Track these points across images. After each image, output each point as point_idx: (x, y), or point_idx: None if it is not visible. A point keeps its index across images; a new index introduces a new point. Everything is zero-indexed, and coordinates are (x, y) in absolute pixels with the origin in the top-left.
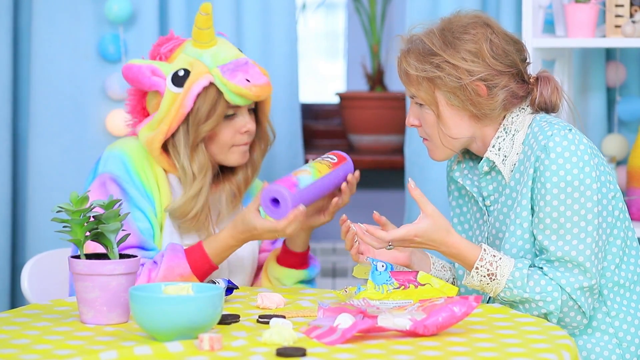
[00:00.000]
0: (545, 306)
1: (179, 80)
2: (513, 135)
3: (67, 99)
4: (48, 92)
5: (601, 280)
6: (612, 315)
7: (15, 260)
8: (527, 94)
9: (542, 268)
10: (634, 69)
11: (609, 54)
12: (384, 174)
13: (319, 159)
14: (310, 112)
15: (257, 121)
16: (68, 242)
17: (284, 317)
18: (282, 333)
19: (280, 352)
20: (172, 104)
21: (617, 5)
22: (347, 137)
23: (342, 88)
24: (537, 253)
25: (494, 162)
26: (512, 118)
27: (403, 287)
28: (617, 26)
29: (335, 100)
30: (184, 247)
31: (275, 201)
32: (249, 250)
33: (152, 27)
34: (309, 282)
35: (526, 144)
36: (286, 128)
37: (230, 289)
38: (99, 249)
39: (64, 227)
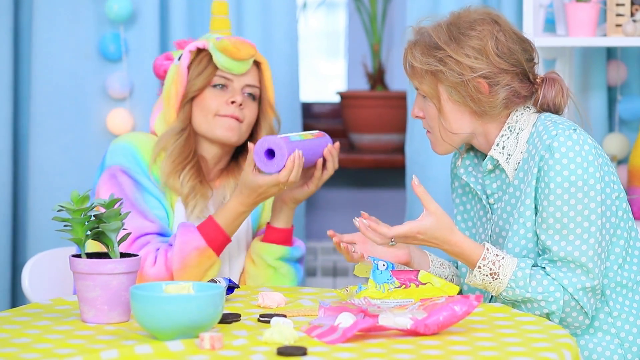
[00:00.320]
0: (547, 306)
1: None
2: (517, 133)
3: (68, 98)
4: (49, 92)
5: (604, 280)
6: (614, 315)
7: (16, 259)
8: (531, 94)
9: (544, 268)
10: (635, 68)
11: (610, 53)
12: (384, 173)
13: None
14: (311, 112)
15: (261, 111)
16: (69, 241)
17: (284, 316)
18: (283, 332)
19: (281, 351)
20: (174, 73)
21: (618, 4)
22: (348, 136)
23: (343, 87)
24: (540, 253)
25: (497, 161)
26: (517, 117)
27: (404, 286)
28: (618, 25)
29: (336, 99)
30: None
31: (270, 154)
32: (243, 232)
33: (152, 26)
34: (291, 262)
35: (530, 142)
36: (287, 126)
37: (231, 288)
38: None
39: (64, 226)
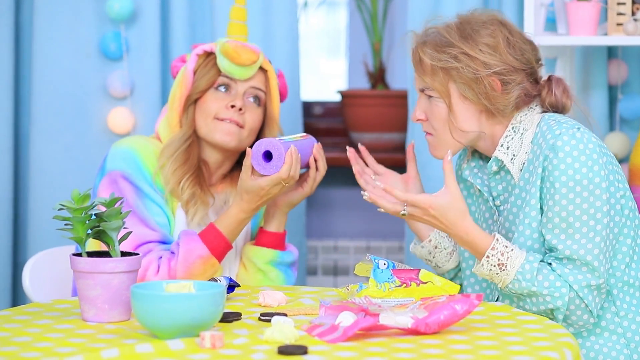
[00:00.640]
0: (553, 301)
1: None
2: (522, 134)
3: (69, 97)
4: (50, 90)
5: (611, 280)
6: (621, 315)
7: (16, 258)
8: (537, 94)
9: (550, 264)
10: (636, 67)
11: (611, 52)
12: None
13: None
14: (311, 110)
15: (266, 118)
16: (70, 239)
17: (285, 315)
18: (284, 331)
19: (282, 350)
20: (181, 76)
21: (619, 3)
22: (348, 135)
23: (344, 86)
24: (547, 252)
25: (502, 162)
26: (521, 117)
27: (405, 285)
28: (619, 24)
29: (337, 98)
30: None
31: (266, 156)
32: (242, 237)
33: (153, 25)
34: (282, 266)
35: (535, 143)
36: (288, 126)
37: (231, 286)
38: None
39: (65, 224)
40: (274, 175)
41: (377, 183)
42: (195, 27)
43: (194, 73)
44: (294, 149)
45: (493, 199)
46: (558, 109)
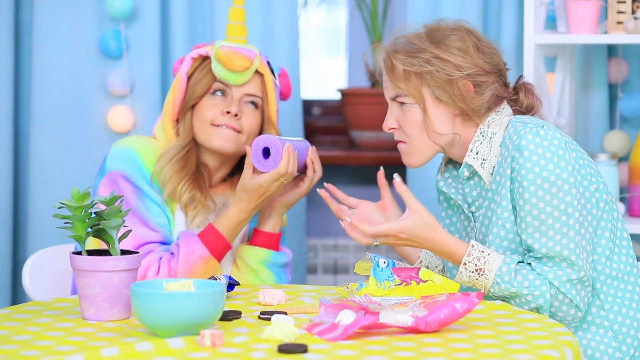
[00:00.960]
0: (534, 300)
1: None
2: (490, 138)
3: (69, 96)
4: (49, 89)
5: (592, 273)
6: (606, 308)
7: (16, 256)
8: (508, 96)
9: (530, 264)
10: (636, 65)
11: (611, 51)
12: (385, 170)
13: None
14: (311, 109)
15: (264, 121)
16: (69, 238)
17: (285, 313)
18: (284, 329)
19: (282, 348)
20: (176, 78)
21: (619, 2)
22: (348, 134)
23: (344, 84)
24: (525, 252)
25: (473, 167)
26: (489, 121)
27: (405, 283)
28: (619, 22)
29: (337, 96)
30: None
31: (265, 153)
32: (239, 238)
33: (153, 23)
34: (274, 267)
35: (503, 145)
36: (287, 124)
37: (231, 285)
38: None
39: (65, 223)
40: (273, 172)
41: (347, 219)
42: (195, 25)
43: (188, 77)
44: (289, 144)
45: (469, 206)
46: (532, 110)
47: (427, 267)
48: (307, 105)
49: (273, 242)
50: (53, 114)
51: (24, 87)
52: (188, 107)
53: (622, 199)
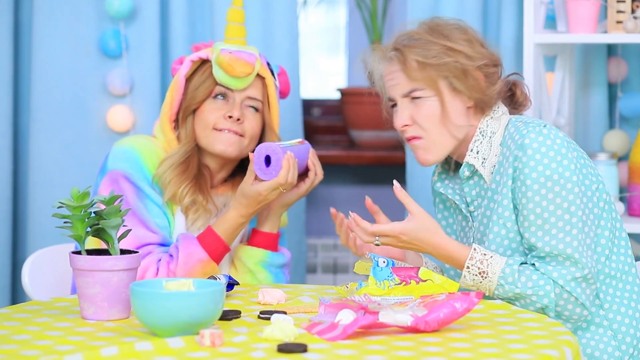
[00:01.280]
0: (539, 300)
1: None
2: (490, 137)
3: (68, 95)
4: (49, 88)
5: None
6: (605, 307)
7: (16, 256)
8: (507, 91)
9: (534, 264)
10: (636, 64)
11: (611, 50)
12: (385, 169)
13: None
14: (311, 108)
15: (265, 125)
16: (69, 237)
17: (285, 313)
18: (284, 329)
19: (282, 348)
20: (174, 80)
21: (618, 1)
22: (348, 133)
23: (343, 84)
24: (527, 252)
25: (473, 166)
26: (487, 121)
27: (404, 283)
28: (619, 22)
29: (337, 95)
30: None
31: (267, 161)
32: (237, 239)
33: (153, 22)
34: (271, 267)
35: (504, 145)
36: (287, 124)
37: (230, 284)
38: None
39: (64, 222)
40: (273, 181)
41: (351, 213)
42: (194, 24)
43: (186, 79)
44: (290, 154)
45: (467, 205)
46: (522, 107)
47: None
48: (307, 104)
49: (271, 243)
50: (52, 114)
51: (24, 86)
52: (189, 111)
53: (621, 199)
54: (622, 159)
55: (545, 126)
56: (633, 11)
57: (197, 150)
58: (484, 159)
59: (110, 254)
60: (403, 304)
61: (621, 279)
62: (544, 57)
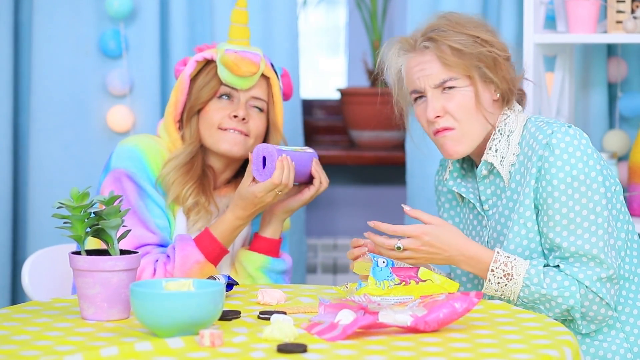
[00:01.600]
0: (565, 301)
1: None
2: (508, 136)
3: (68, 95)
4: (49, 88)
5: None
6: (618, 309)
7: (16, 256)
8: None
9: (558, 266)
10: (635, 64)
11: (611, 50)
12: (385, 169)
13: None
14: (311, 108)
15: (269, 124)
16: (69, 238)
17: (284, 313)
18: (283, 329)
19: (281, 348)
20: (179, 80)
21: (618, 1)
22: (348, 133)
23: (343, 84)
24: (548, 252)
25: (492, 165)
26: (504, 119)
27: (404, 283)
28: (619, 22)
29: (336, 96)
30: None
31: (264, 162)
32: (240, 240)
33: (152, 22)
34: (272, 273)
35: (524, 144)
36: (287, 124)
37: (230, 285)
38: None
39: (64, 223)
40: (267, 182)
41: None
42: (194, 24)
43: (191, 79)
44: (285, 156)
45: (481, 204)
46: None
47: None
48: (307, 104)
49: (272, 248)
50: (52, 114)
51: (24, 86)
52: (194, 112)
53: None
54: (622, 158)
55: (570, 126)
56: (633, 11)
57: (202, 151)
58: (502, 157)
59: (110, 255)
60: (403, 304)
61: (634, 281)
62: (543, 57)
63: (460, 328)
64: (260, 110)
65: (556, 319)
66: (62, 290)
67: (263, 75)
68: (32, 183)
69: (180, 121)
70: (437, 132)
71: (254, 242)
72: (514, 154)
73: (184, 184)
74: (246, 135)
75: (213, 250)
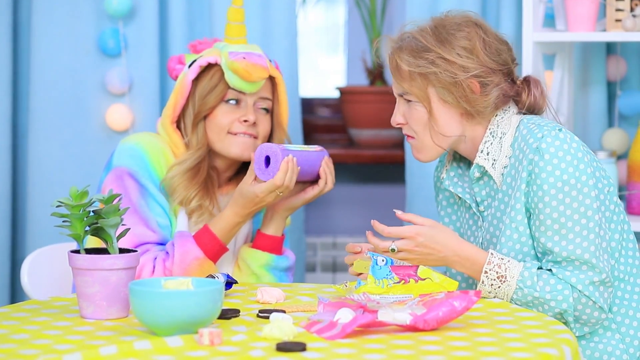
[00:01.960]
0: (558, 305)
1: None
2: (500, 138)
3: (67, 94)
4: (48, 87)
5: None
6: (614, 311)
7: (15, 255)
8: (515, 95)
9: (550, 270)
10: (635, 63)
11: (610, 48)
12: (384, 168)
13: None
14: (310, 107)
15: (274, 124)
16: (68, 236)
17: (284, 311)
18: (282, 328)
19: (280, 346)
20: (179, 84)
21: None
22: (347, 132)
23: (342, 82)
24: (541, 256)
25: (484, 167)
26: (497, 121)
27: (403, 281)
28: (618, 20)
29: (336, 94)
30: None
31: (267, 162)
32: (242, 237)
33: (151, 21)
34: (276, 271)
35: (516, 147)
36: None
37: (229, 283)
38: None
39: (63, 221)
40: (268, 183)
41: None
42: (193, 23)
43: (192, 84)
44: (291, 157)
45: (477, 205)
46: (535, 110)
47: None
48: (306, 103)
49: (275, 246)
50: (51, 113)
51: (23, 85)
52: (200, 117)
53: (620, 197)
54: (621, 157)
55: (560, 130)
56: (632, 9)
57: (207, 154)
58: (494, 160)
59: (109, 253)
60: (402, 303)
61: (629, 282)
62: (543, 56)
63: (460, 326)
64: (266, 110)
65: None
66: (61, 289)
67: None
68: (31, 182)
69: (178, 122)
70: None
71: (257, 240)
72: (506, 156)
73: (189, 188)
74: (255, 137)
75: (212, 247)
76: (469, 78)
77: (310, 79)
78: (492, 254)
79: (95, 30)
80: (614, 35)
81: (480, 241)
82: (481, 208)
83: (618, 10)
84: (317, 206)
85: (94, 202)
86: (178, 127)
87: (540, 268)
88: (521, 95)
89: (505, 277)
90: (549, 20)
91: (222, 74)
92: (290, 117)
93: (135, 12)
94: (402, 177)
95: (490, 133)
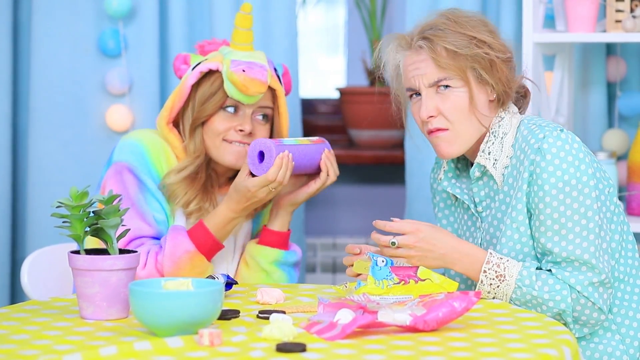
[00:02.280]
0: (556, 305)
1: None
2: (502, 138)
3: (67, 94)
4: (48, 88)
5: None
6: (614, 311)
7: (15, 255)
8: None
9: (550, 270)
10: (635, 63)
11: (610, 49)
12: (384, 169)
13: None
14: (310, 107)
15: (272, 134)
16: (68, 237)
17: (284, 312)
18: (282, 328)
19: (280, 347)
20: (179, 87)
21: (617, 0)
22: (347, 132)
23: (342, 83)
24: (540, 256)
25: (485, 167)
26: (498, 121)
27: (403, 282)
28: (618, 21)
29: (336, 95)
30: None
31: (261, 157)
32: (243, 234)
33: (152, 21)
34: (285, 266)
35: (517, 147)
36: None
37: (229, 284)
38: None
39: (63, 222)
40: (261, 177)
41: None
42: (194, 23)
43: (191, 89)
44: (287, 153)
45: (475, 205)
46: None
47: None
48: (306, 104)
49: (283, 241)
50: (51, 113)
51: (23, 86)
52: (198, 123)
53: (620, 198)
54: (621, 158)
55: (562, 130)
56: (632, 10)
57: (206, 158)
58: (495, 160)
59: (109, 254)
60: (402, 304)
61: (629, 283)
62: (543, 56)
63: (460, 327)
64: (265, 118)
65: None
66: (61, 289)
67: (269, 87)
68: (31, 182)
69: (177, 124)
70: (430, 132)
71: (264, 236)
72: (507, 156)
73: (189, 193)
74: None
75: (205, 242)
76: (500, 60)
77: (310, 79)
78: (491, 253)
79: (95, 31)
80: (614, 36)
81: (479, 242)
82: (479, 209)
83: (618, 11)
84: (317, 207)
85: (94, 202)
86: (177, 128)
87: (539, 268)
88: (527, 95)
89: (504, 277)
90: (549, 21)
91: (222, 81)
92: (290, 117)
93: (135, 13)
94: (402, 177)
95: (492, 133)
